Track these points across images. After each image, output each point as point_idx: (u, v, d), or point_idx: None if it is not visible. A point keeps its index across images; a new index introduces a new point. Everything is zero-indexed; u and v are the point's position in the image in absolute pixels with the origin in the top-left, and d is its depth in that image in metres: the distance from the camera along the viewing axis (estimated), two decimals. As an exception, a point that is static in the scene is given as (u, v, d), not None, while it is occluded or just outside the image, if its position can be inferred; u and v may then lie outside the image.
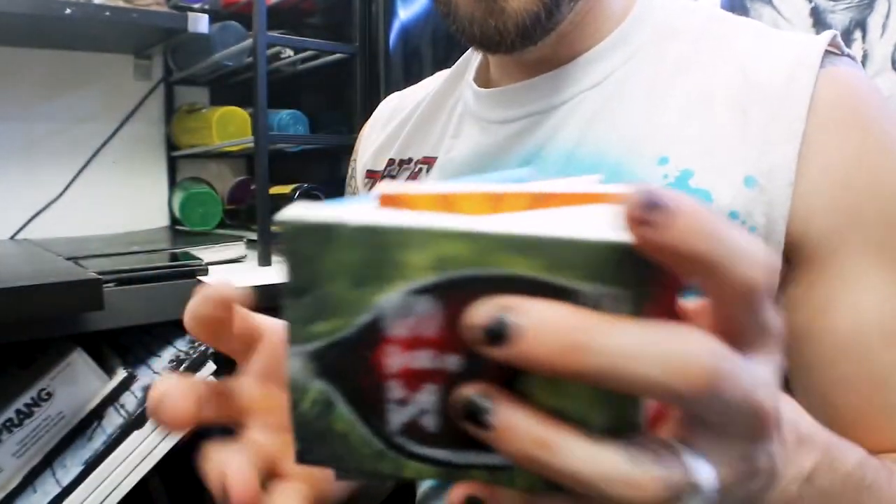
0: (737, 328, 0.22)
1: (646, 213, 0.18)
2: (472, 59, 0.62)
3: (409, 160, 0.62)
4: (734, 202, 0.45)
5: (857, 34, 0.86)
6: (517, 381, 0.21)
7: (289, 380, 0.23)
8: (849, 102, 0.46)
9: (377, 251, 0.21)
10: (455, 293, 0.20)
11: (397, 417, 0.23)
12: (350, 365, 0.22)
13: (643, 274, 0.19)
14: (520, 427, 0.20)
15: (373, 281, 0.21)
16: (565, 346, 0.19)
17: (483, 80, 0.59)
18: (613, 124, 0.50)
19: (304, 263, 0.21)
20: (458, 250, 0.20)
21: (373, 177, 0.66)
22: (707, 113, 0.48)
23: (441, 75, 0.66)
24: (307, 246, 0.21)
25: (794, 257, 0.45)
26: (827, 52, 0.47)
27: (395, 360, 0.22)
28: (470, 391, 0.21)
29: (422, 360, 0.22)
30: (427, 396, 0.22)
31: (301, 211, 0.21)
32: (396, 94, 0.72)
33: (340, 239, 0.21)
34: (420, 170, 0.61)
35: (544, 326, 0.19)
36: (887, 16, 0.84)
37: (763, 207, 0.45)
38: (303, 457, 0.24)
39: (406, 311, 0.21)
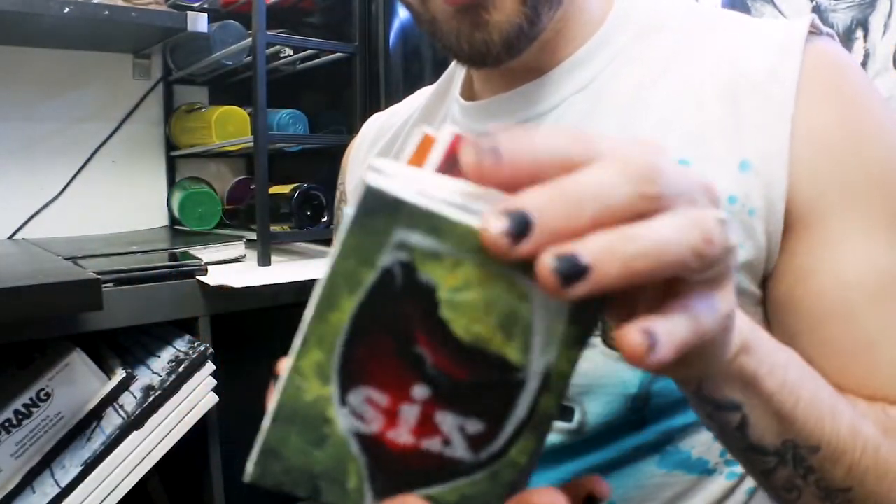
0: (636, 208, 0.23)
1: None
2: (455, 74, 0.62)
3: None
4: (731, 187, 0.45)
5: (859, 33, 0.86)
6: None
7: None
8: (832, 75, 0.47)
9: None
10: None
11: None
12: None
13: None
14: (610, 247, 0.22)
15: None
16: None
17: (468, 93, 0.59)
18: (603, 126, 0.50)
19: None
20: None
21: None
22: (697, 103, 0.48)
23: (424, 92, 0.67)
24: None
25: (786, 230, 0.46)
26: (808, 33, 0.48)
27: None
28: (552, 254, 0.22)
29: None
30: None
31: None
32: (378, 114, 0.72)
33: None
34: None
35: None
36: (889, 15, 0.84)
37: (761, 190, 0.45)
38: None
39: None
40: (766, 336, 0.34)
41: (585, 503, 0.27)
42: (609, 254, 0.22)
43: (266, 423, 0.26)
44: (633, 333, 0.22)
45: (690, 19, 0.52)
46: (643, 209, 0.23)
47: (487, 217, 0.22)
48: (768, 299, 0.48)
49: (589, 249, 0.22)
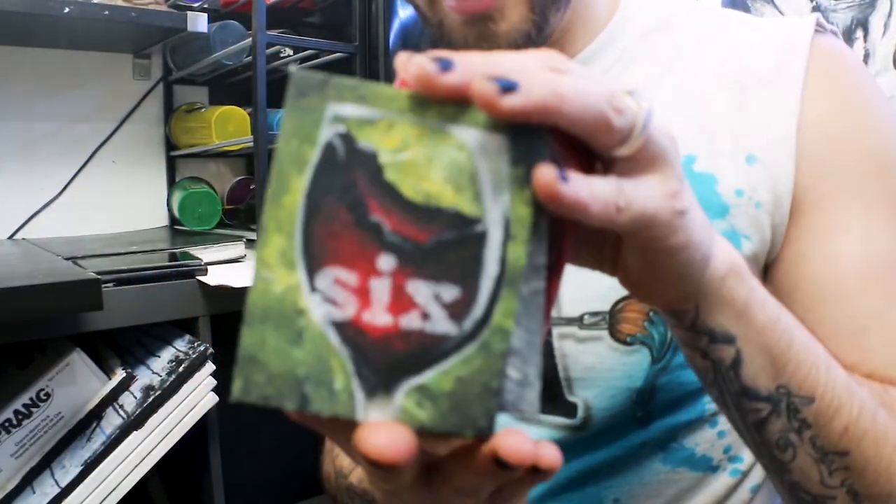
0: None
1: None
2: None
3: None
4: (738, 181, 0.46)
5: (859, 33, 0.86)
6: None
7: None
8: (837, 72, 0.47)
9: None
10: None
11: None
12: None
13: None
14: (536, 76, 0.24)
15: None
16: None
17: None
18: None
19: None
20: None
21: None
22: (703, 99, 0.49)
23: None
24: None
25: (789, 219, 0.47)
26: (813, 31, 0.49)
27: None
28: (482, 77, 0.23)
29: None
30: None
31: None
32: None
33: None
34: None
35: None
36: (889, 15, 0.84)
37: (768, 183, 0.46)
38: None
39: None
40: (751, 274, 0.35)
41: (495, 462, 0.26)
42: (535, 79, 0.23)
43: (242, 329, 0.24)
44: (545, 167, 0.24)
45: (695, 18, 0.53)
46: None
47: (412, 61, 0.24)
48: (767, 285, 0.48)
49: (515, 74, 0.23)
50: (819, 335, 0.45)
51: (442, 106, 0.24)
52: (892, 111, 0.48)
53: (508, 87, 0.23)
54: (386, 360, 0.24)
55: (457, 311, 0.24)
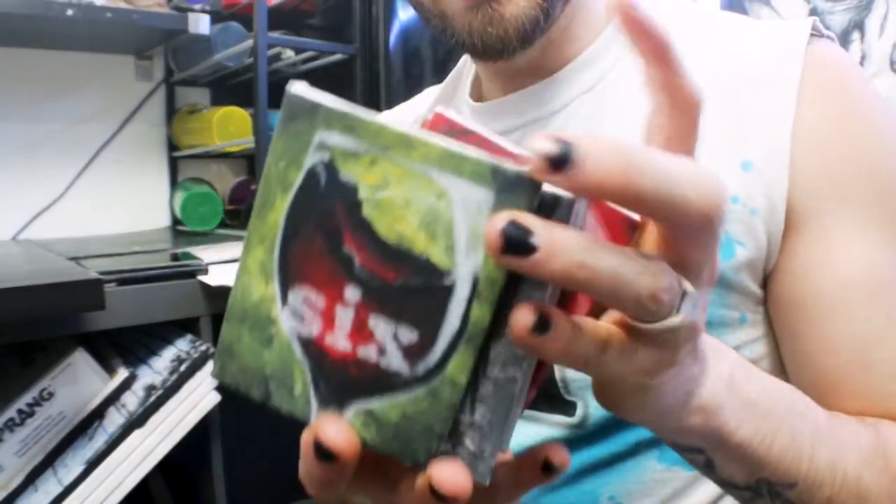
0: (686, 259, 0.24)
1: (552, 168, 0.20)
2: (463, 73, 0.62)
3: None
4: (733, 187, 0.46)
5: (856, 35, 0.87)
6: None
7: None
8: (833, 77, 0.47)
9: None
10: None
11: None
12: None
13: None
14: (565, 243, 0.21)
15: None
16: (621, 167, 0.20)
17: (477, 94, 0.59)
18: (610, 125, 0.51)
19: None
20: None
21: None
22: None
23: (431, 92, 0.67)
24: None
25: (785, 229, 0.46)
26: (810, 35, 0.48)
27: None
28: (503, 220, 0.21)
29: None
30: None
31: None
32: (387, 112, 0.73)
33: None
34: None
35: (602, 153, 0.20)
36: (885, 17, 0.84)
37: (763, 189, 0.46)
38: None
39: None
40: (746, 385, 0.33)
41: (543, 470, 0.27)
42: (558, 247, 0.21)
43: (224, 321, 0.27)
44: (524, 312, 0.22)
45: (694, 21, 0.53)
46: None
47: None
48: (769, 298, 0.48)
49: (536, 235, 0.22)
50: (822, 351, 0.45)
51: (428, 149, 0.23)
52: (891, 120, 0.48)
53: (521, 247, 0.21)
54: (340, 380, 0.25)
55: (412, 353, 0.24)
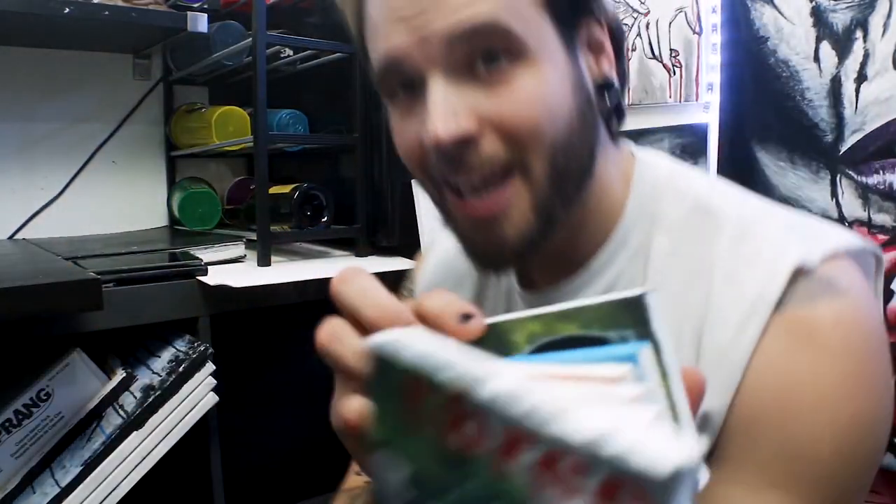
0: None
1: None
2: None
3: None
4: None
5: (859, 33, 0.86)
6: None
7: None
8: (794, 355, 0.44)
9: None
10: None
11: None
12: None
13: (644, 317, 0.28)
14: None
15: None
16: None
17: (522, 279, 0.60)
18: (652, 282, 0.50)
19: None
20: (536, 328, 0.29)
21: None
22: (674, 326, 0.47)
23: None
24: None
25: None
26: (805, 275, 0.45)
27: None
28: None
29: None
30: None
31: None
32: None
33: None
34: None
35: None
36: (888, 15, 0.84)
37: (714, 384, 0.44)
38: None
39: None
40: None
41: None
42: None
43: None
44: None
45: (693, 219, 0.51)
46: None
47: None
48: None
49: None
50: None
51: None
52: (852, 393, 0.44)
53: None
54: None
55: None
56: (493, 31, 0.46)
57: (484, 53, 0.46)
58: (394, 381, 0.26)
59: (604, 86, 0.52)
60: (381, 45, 0.49)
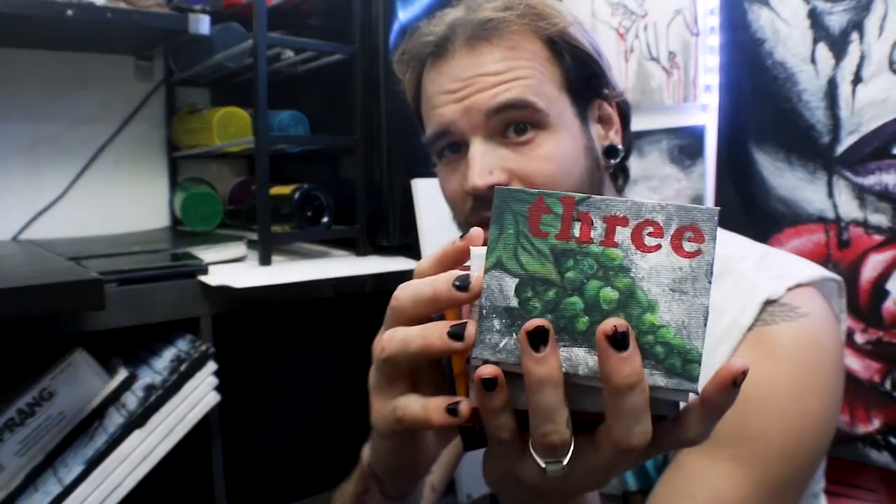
0: None
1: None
2: None
3: None
4: None
5: (855, 35, 0.87)
6: None
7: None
8: (758, 363, 0.54)
9: None
10: None
11: None
12: None
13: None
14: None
15: None
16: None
17: None
18: None
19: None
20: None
21: None
22: None
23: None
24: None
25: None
26: (772, 303, 0.58)
27: None
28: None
29: None
30: None
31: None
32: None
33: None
34: None
35: None
36: (884, 17, 0.84)
37: None
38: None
39: None
40: None
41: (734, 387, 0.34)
42: None
43: None
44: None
45: (738, 248, 0.68)
46: None
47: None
48: None
49: None
50: None
51: None
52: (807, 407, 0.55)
53: None
54: None
55: None
56: (523, 107, 0.60)
57: (515, 123, 0.60)
58: (517, 211, 0.34)
59: (610, 150, 0.66)
60: (433, 113, 0.63)
